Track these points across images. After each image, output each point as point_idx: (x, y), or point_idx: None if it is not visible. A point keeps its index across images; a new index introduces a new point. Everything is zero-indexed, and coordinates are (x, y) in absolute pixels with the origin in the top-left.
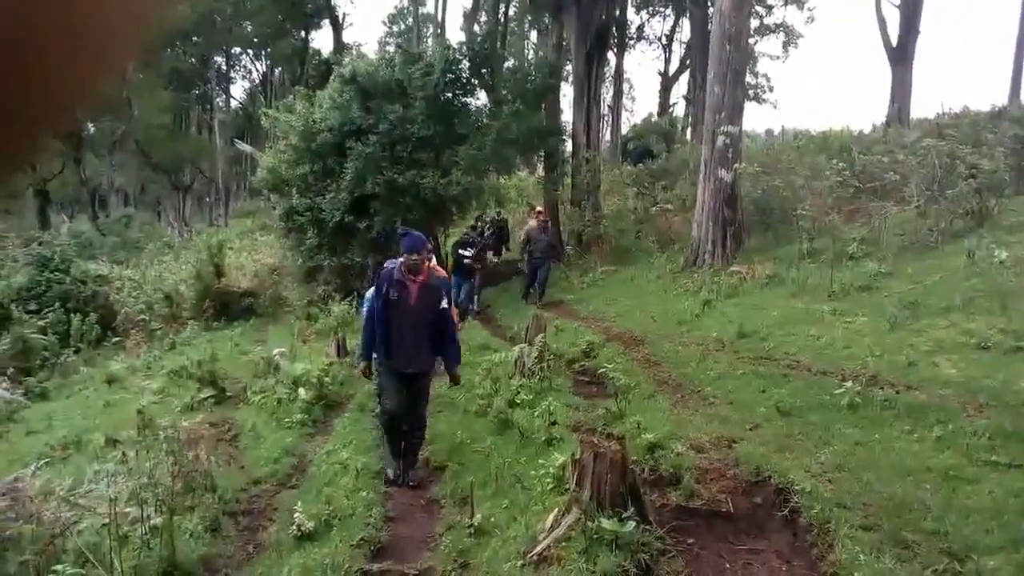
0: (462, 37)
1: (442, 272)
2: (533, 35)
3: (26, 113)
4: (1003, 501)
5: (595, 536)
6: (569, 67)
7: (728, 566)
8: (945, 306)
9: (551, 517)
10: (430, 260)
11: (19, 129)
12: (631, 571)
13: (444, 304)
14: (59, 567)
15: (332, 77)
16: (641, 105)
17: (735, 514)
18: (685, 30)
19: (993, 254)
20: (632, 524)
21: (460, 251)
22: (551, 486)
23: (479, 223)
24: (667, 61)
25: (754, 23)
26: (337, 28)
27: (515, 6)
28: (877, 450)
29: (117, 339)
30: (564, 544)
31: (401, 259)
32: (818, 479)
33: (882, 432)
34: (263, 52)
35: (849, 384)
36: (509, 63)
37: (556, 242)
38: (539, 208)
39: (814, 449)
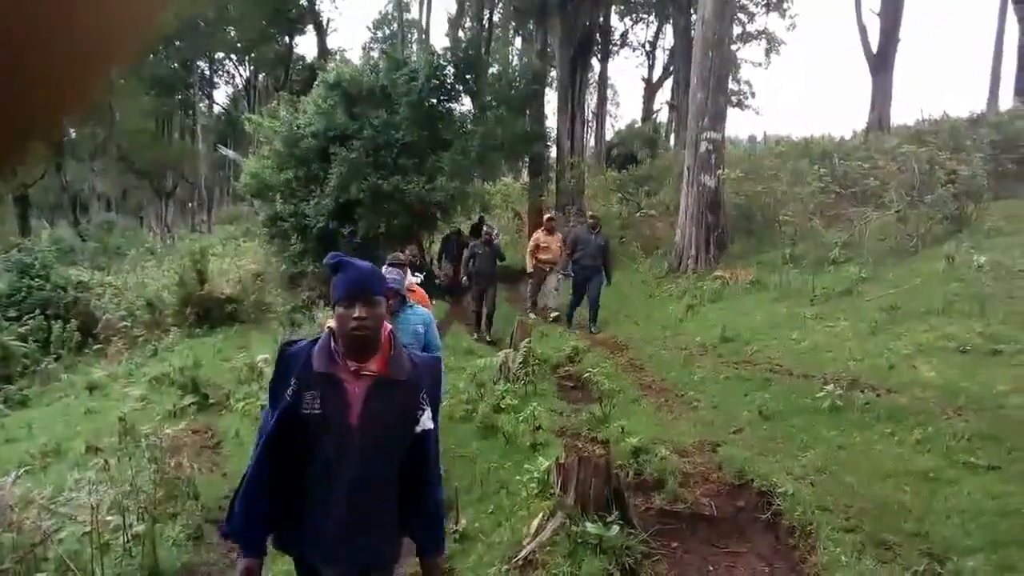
0: (447, 43)
1: (424, 301)
2: (518, 41)
3: (16, 121)
4: (982, 502)
5: (580, 540)
6: (553, 73)
7: (711, 569)
8: (925, 310)
9: (536, 522)
10: (400, 295)
11: (8, 136)
12: (615, 575)
13: (426, 419)
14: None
15: (316, 82)
16: (625, 111)
17: (718, 517)
18: (668, 37)
19: (972, 259)
20: (616, 528)
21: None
22: (536, 491)
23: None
24: (651, 67)
25: (736, 30)
26: (321, 33)
27: (500, 12)
28: (858, 453)
29: (98, 346)
30: (549, 548)
31: (330, 322)
32: (800, 482)
33: (863, 435)
34: (247, 57)
35: (830, 387)
36: (494, 69)
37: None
38: (548, 215)
39: (796, 452)
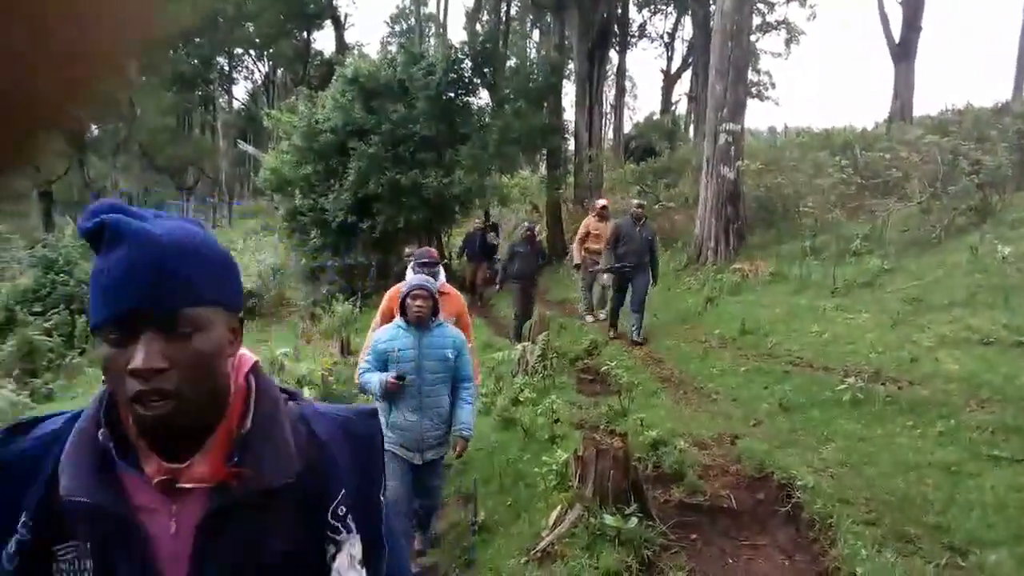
0: (464, 36)
1: (460, 309)
2: (535, 34)
3: (25, 111)
4: (1005, 495)
5: (598, 532)
6: (571, 66)
7: (731, 561)
8: (948, 302)
9: (554, 514)
10: (433, 300)
11: (17, 127)
12: (634, 566)
13: (352, 557)
14: None
15: (334, 77)
16: (644, 103)
17: (738, 510)
18: (687, 28)
19: (996, 250)
20: (635, 520)
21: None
22: (554, 483)
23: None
24: (669, 59)
25: (756, 20)
26: (339, 28)
27: (517, 5)
28: (879, 445)
29: None
30: (567, 540)
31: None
32: (820, 475)
33: (884, 428)
34: (265, 53)
35: (851, 380)
36: (511, 62)
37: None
38: (601, 202)
39: (816, 445)
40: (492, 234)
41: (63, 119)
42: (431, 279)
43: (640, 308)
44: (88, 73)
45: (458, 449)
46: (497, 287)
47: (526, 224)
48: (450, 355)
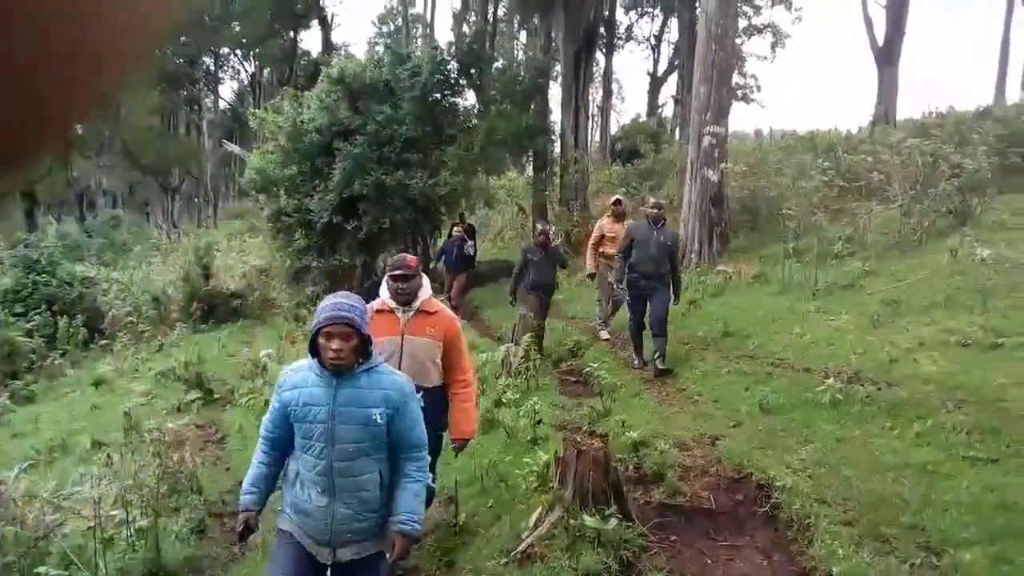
0: (451, 37)
1: (448, 326)
2: (522, 36)
3: (26, 127)
4: (980, 496)
5: (578, 533)
6: (558, 67)
7: (710, 562)
8: (927, 304)
9: (535, 515)
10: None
11: (20, 140)
12: (613, 568)
13: None
14: (43, 569)
15: (320, 77)
16: (630, 105)
17: (717, 510)
18: (674, 31)
19: (975, 252)
20: (614, 521)
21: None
22: (535, 484)
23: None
24: (656, 62)
25: (741, 23)
26: (326, 28)
27: (504, 7)
28: (857, 446)
29: (104, 341)
30: (547, 542)
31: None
32: (799, 475)
33: (863, 428)
34: (252, 53)
35: (831, 381)
36: (498, 63)
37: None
38: (617, 196)
39: (796, 446)
40: (470, 243)
41: (73, 121)
42: (357, 307)
43: (662, 330)
44: (98, 76)
45: (396, 549)
46: (511, 299)
47: (539, 227)
48: (378, 417)
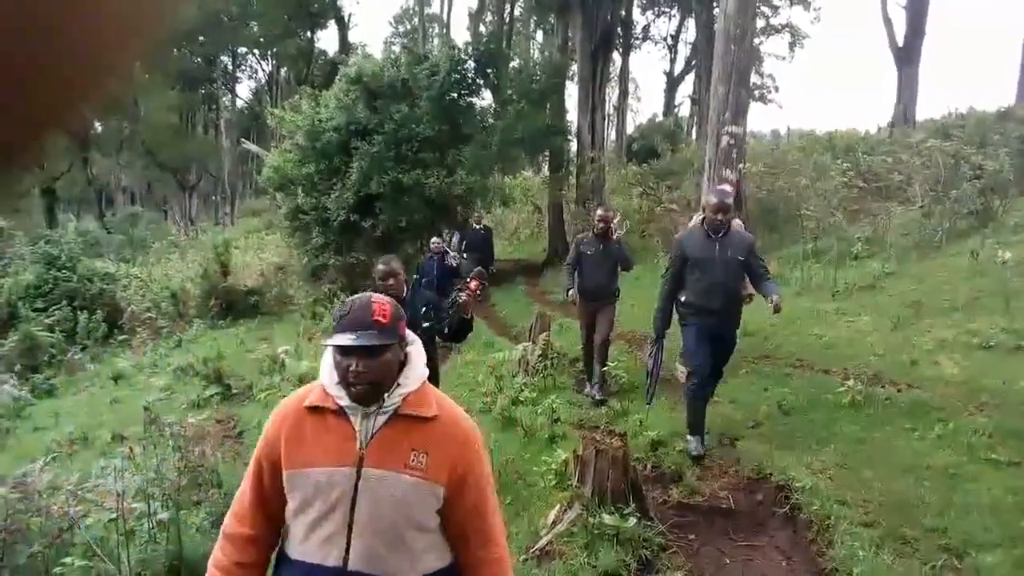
0: (467, 37)
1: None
2: (539, 35)
3: (30, 109)
4: (1002, 498)
5: (597, 531)
6: (574, 67)
7: (728, 561)
8: (948, 306)
9: (553, 513)
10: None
11: (22, 125)
12: (632, 566)
13: None
14: (67, 560)
15: (338, 77)
16: (647, 105)
17: (736, 510)
18: (691, 30)
19: (997, 254)
20: (633, 520)
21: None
22: (554, 482)
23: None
24: (672, 61)
25: (760, 23)
26: (343, 28)
27: (520, 6)
28: (878, 448)
29: (123, 337)
30: (566, 539)
31: None
32: (819, 476)
33: (883, 430)
34: (269, 52)
35: (851, 383)
36: (514, 63)
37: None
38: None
39: (815, 447)
40: (452, 255)
41: (68, 119)
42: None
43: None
44: (95, 73)
45: None
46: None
47: (599, 212)
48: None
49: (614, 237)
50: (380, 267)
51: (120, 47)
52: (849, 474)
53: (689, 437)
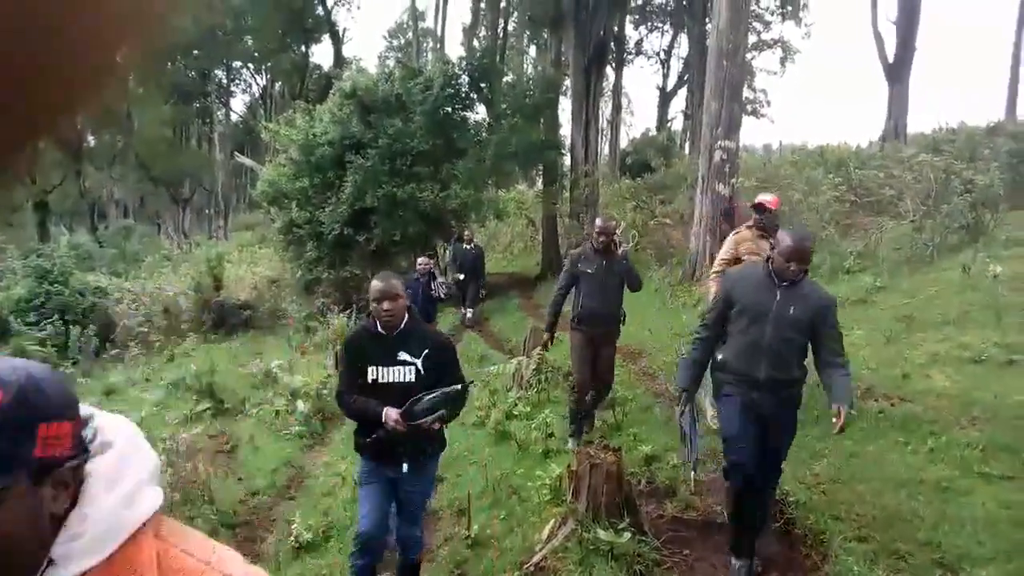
0: (461, 52)
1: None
2: (532, 50)
3: (20, 116)
4: (995, 512)
5: (591, 547)
6: (568, 82)
7: None
8: (940, 320)
9: (548, 528)
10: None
11: (12, 132)
12: None
13: None
14: None
15: (332, 91)
16: (640, 119)
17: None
18: (684, 45)
19: (988, 269)
20: (628, 535)
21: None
22: (548, 497)
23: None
24: (665, 76)
25: (752, 38)
26: (337, 42)
27: (514, 22)
28: (871, 462)
29: (116, 351)
30: (560, 555)
31: None
32: (813, 491)
33: (876, 444)
34: (263, 66)
35: None
36: (508, 78)
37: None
38: (766, 199)
39: (809, 461)
40: (440, 280)
41: (57, 127)
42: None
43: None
44: (84, 80)
45: None
46: (545, 335)
47: (598, 222)
48: None
49: (619, 252)
50: (377, 285)
51: (117, 47)
52: (843, 488)
53: (733, 561)
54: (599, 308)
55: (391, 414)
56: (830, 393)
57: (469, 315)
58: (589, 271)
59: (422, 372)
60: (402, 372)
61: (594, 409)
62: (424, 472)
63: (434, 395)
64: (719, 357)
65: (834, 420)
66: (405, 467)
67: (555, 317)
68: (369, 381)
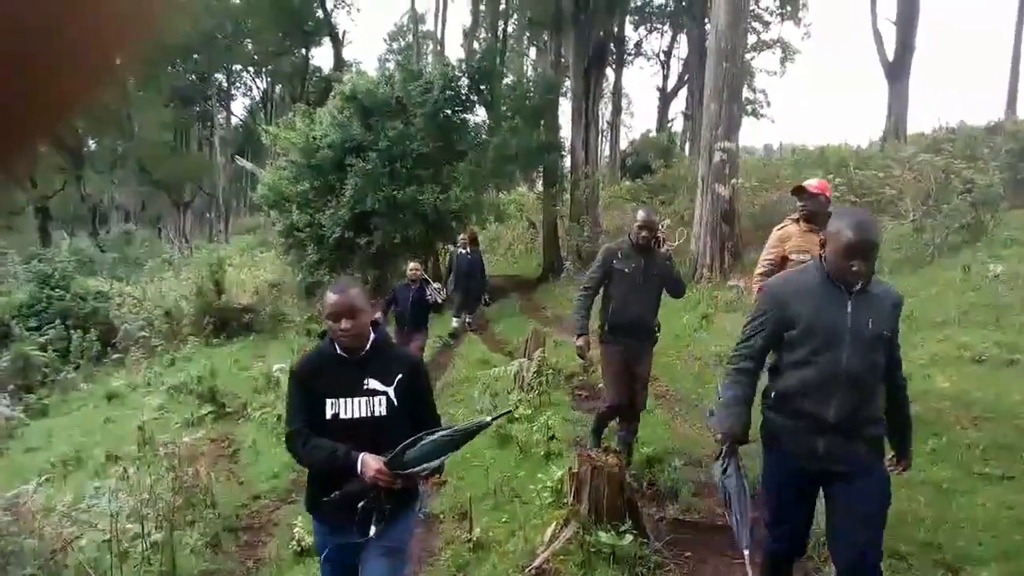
0: (461, 54)
1: None
2: (532, 52)
3: (17, 118)
4: (996, 513)
5: (593, 549)
6: (568, 83)
7: None
8: (940, 320)
9: (549, 531)
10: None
11: (10, 134)
12: None
13: None
14: None
15: (332, 94)
16: (640, 121)
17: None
18: (683, 46)
19: (988, 268)
20: (629, 537)
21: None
22: (549, 500)
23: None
24: (665, 77)
25: (751, 39)
26: (337, 45)
27: (514, 24)
28: None
29: (117, 355)
30: (562, 557)
31: None
32: None
33: None
34: (264, 69)
35: None
36: (508, 80)
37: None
38: (813, 184)
39: None
40: (435, 286)
41: (55, 129)
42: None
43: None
44: (82, 83)
45: None
46: (578, 352)
47: (640, 215)
48: None
49: (662, 250)
50: (332, 299)
51: (116, 48)
52: None
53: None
54: (632, 315)
55: (371, 463)
56: (897, 437)
57: (463, 322)
58: (625, 270)
59: (395, 403)
60: (371, 404)
61: (630, 441)
62: (396, 532)
63: (438, 436)
64: (776, 393)
65: (897, 466)
66: (373, 530)
67: (586, 318)
68: (328, 417)
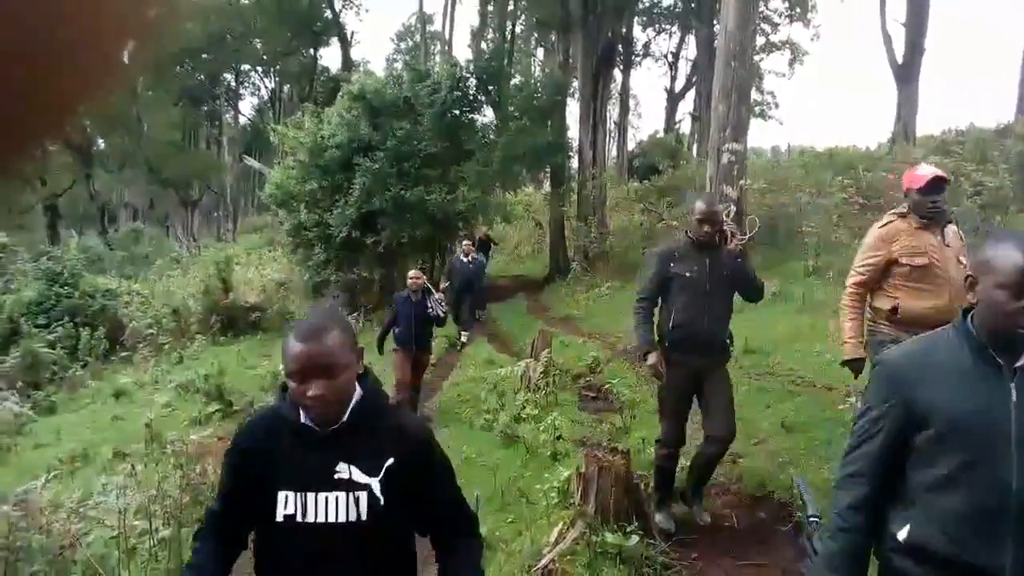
0: (469, 55)
1: None
2: (540, 53)
3: (22, 117)
4: None
5: (599, 550)
6: (575, 84)
7: None
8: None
9: (556, 531)
10: None
11: (15, 132)
12: None
13: None
14: None
15: (340, 94)
16: (647, 122)
17: (739, 529)
18: (691, 47)
19: None
20: (636, 538)
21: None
22: (556, 500)
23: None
24: (673, 78)
25: (760, 40)
26: (345, 45)
27: (522, 24)
28: None
29: (125, 353)
30: (569, 558)
31: None
32: (821, 493)
33: None
34: (272, 69)
35: (853, 399)
36: (516, 80)
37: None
38: (925, 172)
39: (818, 464)
40: (437, 296)
41: (61, 128)
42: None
43: (710, 469)
44: (84, 83)
45: None
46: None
47: (699, 206)
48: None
49: (730, 246)
50: (295, 349)
51: (121, 47)
52: None
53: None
54: (701, 327)
55: None
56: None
57: (463, 337)
58: (687, 274)
59: (382, 501)
60: (344, 504)
61: (710, 470)
62: None
63: None
64: (901, 536)
65: None
66: None
67: (650, 331)
68: (280, 519)
